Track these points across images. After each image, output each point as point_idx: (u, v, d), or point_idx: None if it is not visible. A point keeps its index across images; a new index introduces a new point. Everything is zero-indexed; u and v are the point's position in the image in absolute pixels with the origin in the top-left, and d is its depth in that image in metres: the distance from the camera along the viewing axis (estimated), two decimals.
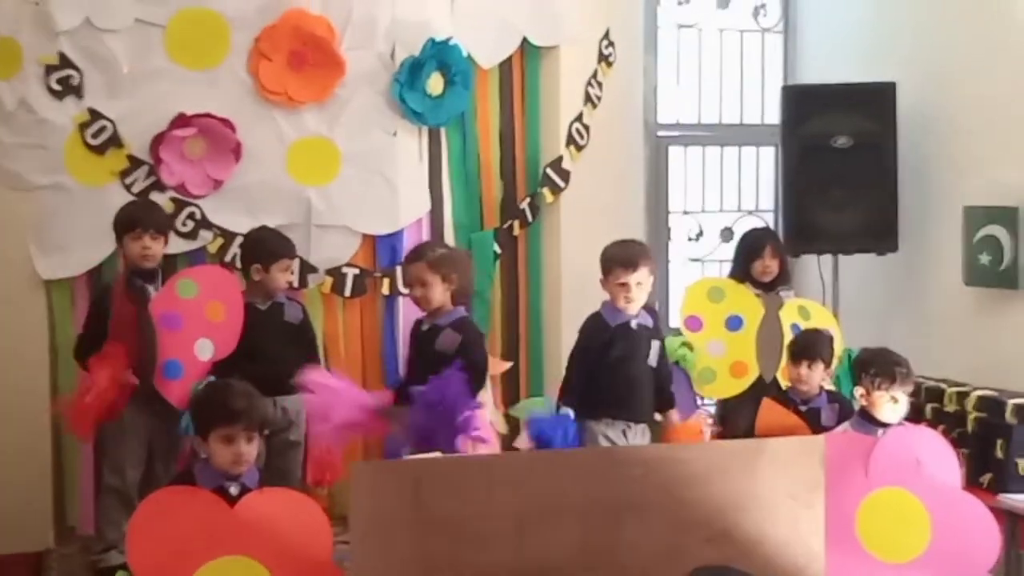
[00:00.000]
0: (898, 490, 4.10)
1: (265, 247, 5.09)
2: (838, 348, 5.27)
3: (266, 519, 3.39)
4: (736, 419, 5.46)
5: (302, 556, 3.32)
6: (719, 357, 5.47)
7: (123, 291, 4.74)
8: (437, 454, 4.18)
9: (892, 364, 4.31)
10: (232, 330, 4.82)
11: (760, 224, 7.29)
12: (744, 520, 3.64)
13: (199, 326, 4.77)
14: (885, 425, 4.30)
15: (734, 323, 5.50)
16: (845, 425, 4.47)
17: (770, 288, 5.59)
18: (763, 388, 5.29)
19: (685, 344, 5.37)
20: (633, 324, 4.84)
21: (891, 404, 4.30)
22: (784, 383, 5.06)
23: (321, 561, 3.38)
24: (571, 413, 4.74)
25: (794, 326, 5.37)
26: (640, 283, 4.79)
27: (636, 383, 4.82)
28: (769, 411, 4.68)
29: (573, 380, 4.87)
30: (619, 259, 4.78)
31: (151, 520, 3.35)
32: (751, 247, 5.72)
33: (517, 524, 3.52)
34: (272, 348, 4.93)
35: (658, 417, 4.96)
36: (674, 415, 4.96)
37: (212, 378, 4.62)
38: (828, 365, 4.91)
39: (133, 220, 4.82)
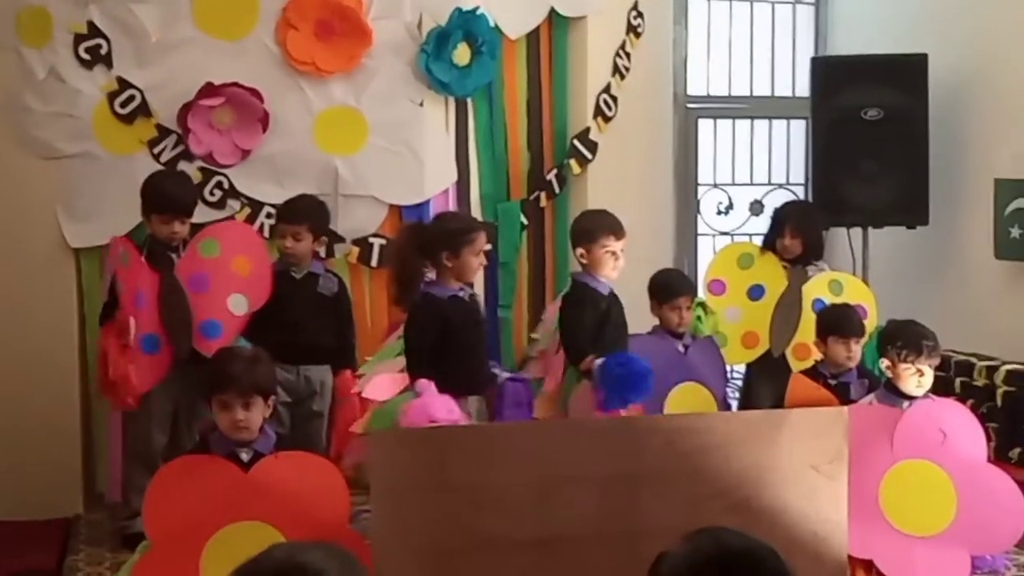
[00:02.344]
0: (923, 463, 4.09)
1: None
2: (872, 323, 5.24)
3: (280, 483, 3.41)
4: (760, 392, 5.46)
5: (317, 519, 3.34)
6: (733, 324, 5.44)
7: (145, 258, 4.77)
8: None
9: (919, 337, 4.27)
10: (261, 281, 4.86)
11: (792, 197, 7.27)
12: (764, 490, 3.64)
13: (228, 283, 4.80)
14: (911, 397, 4.27)
15: (756, 292, 5.46)
16: (870, 397, 4.44)
17: (798, 263, 5.54)
18: (784, 360, 5.28)
19: (700, 305, 5.31)
20: (614, 292, 4.79)
21: (917, 377, 4.25)
22: (813, 359, 5.01)
23: (336, 523, 3.39)
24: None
25: (817, 302, 5.29)
26: (623, 250, 4.73)
27: (625, 350, 4.71)
28: (799, 385, 4.64)
29: (580, 340, 4.72)
30: (608, 226, 4.72)
31: (167, 488, 3.40)
32: (774, 223, 5.69)
33: (537, 492, 3.53)
34: (300, 317, 4.94)
35: None
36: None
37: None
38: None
39: (165, 204, 4.85)
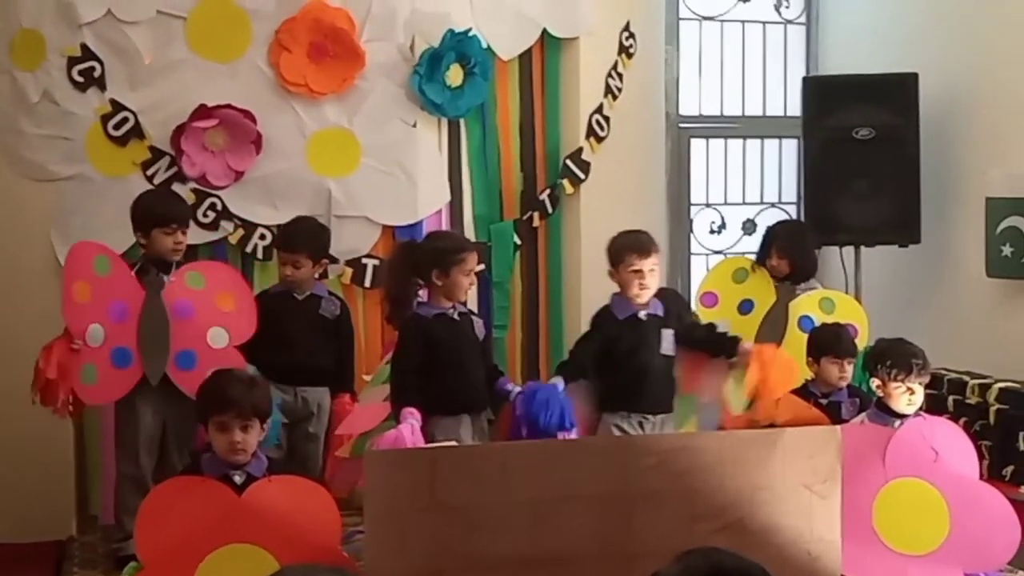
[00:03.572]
0: (916, 481, 4.10)
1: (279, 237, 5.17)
2: (863, 342, 5.25)
3: (273, 507, 3.41)
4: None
5: (310, 543, 3.33)
6: None
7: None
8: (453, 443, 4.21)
9: (908, 355, 4.29)
10: (245, 318, 4.83)
11: (784, 217, 7.30)
12: (758, 510, 3.64)
13: (211, 315, 4.78)
14: (902, 416, 4.28)
15: (746, 307, 5.49)
16: (862, 416, 4.46)
17: (787, 281, 5.56)
18: None
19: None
20: (642, 315, 4.79)
21: (907, 395, 4.27)
22: (805, 376, 5.02)
23: (329, 547, 3.39)
24: (560, 383, 4.66)
25: (804, 319, 5.32)
26: (653, 270, 4.75)
27: (648, 375, 4.76)
28: (790, 404, 4.67)
29: (574, 356, 4.87)
30: (632, 246, 4.76)
31: (159, 510, 3.38)
32: (764, 242, 5.73)
33: (531, 512, 3.53)
34: (299, 339, 4.95)
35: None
36: (745, 346, 4.85)
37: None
38: None
39: (168, 216, 4.82)
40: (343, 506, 3.57)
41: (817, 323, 5.19)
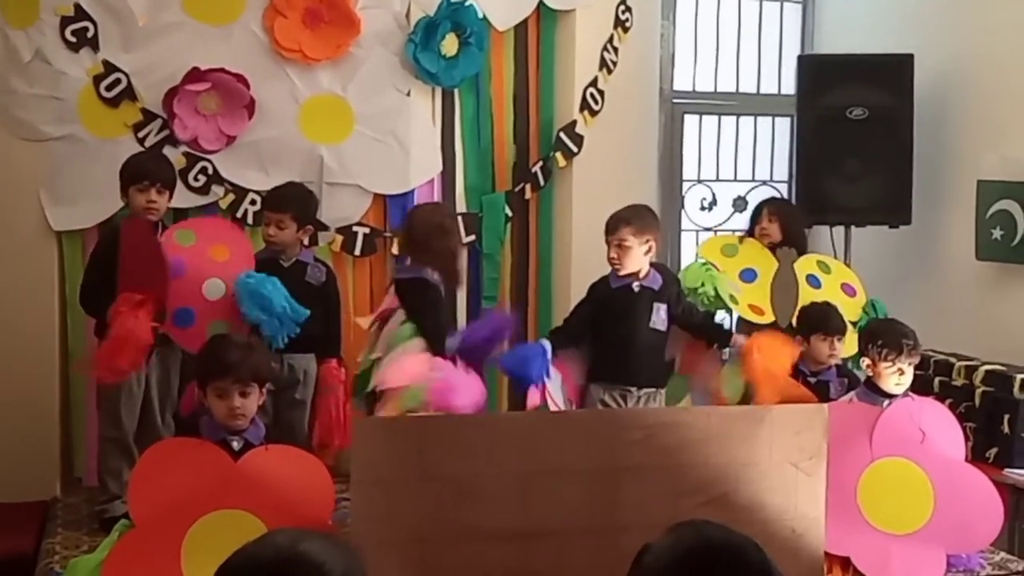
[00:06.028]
0: (902, 461, 4.12)
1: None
2: (862, 300, 5.43)
3: (269, 475, 3.41)
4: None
5: (301, 513, 3.33)
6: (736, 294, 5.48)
7: (141, 234, 4.68)
8: None
9: (899, 336, 4.30)
10: (242, 264, 4.81)
11: (775, 194, 7.30)
12: (743, 486, 3.65)
13: (205, 268, 4.77)
14: (891, 396, 4.30)
15: (748, 276, 5.49)
16: (851, 395, 4.47)
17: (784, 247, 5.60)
18: None
19: (708, 264, 5.33)
20: (635, 286, 4.82)
21: (897, 375, 4.29)
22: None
23: (320, 520, 3.38)
24: (547, 344, 4.68)
25: (811, 277, 5.39)
26: (621, 244, 4.78)
27: (634, 346, 4.78)
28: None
29: (568, 322, 4.95)
30: (611, 220, 4.83)
31: (154, 470, 3.39)
32: (753, 212, 5.77)
33: (518, 484, 3.54)
34: None
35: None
36: (739, 339, 4.85)
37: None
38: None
39: (141, 172, 4.77)
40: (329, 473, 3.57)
41: (822, 280, 5.24)
